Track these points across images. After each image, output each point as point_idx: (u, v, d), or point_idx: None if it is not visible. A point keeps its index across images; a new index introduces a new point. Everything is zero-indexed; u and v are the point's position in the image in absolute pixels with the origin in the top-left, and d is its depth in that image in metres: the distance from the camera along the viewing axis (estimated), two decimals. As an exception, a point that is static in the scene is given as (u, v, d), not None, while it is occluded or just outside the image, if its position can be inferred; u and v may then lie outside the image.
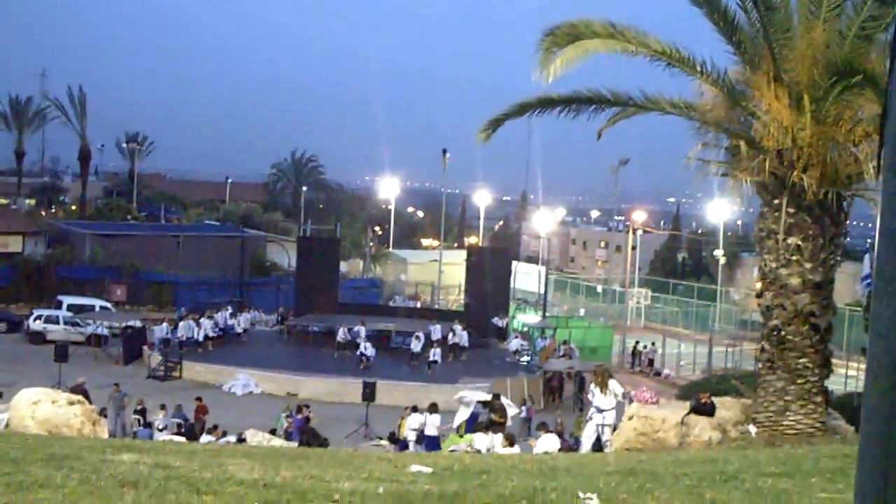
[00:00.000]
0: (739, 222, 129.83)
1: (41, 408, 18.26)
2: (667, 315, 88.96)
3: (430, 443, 34.27)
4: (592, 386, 25.21)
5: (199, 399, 42.93)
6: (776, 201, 20.93)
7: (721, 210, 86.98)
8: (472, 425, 30.91)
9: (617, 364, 65.29)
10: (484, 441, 24.17)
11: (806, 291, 20.63)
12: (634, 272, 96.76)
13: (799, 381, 20.56)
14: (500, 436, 25.78)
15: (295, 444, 29.55)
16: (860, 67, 19.07)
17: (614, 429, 23.60)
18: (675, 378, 63.37)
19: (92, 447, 13.27)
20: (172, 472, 10.20)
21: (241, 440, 30.15)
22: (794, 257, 20.70)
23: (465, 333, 59.73)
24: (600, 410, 24.64)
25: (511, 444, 24.29)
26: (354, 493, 9.22)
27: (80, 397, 20.08)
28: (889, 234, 3.28)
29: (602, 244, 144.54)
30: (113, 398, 40.93)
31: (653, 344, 68.94)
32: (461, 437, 25.41)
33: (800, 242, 20.66)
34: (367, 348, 55.37)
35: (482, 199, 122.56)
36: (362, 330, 58.75)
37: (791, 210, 20.69)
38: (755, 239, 22.76)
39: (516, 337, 62.50)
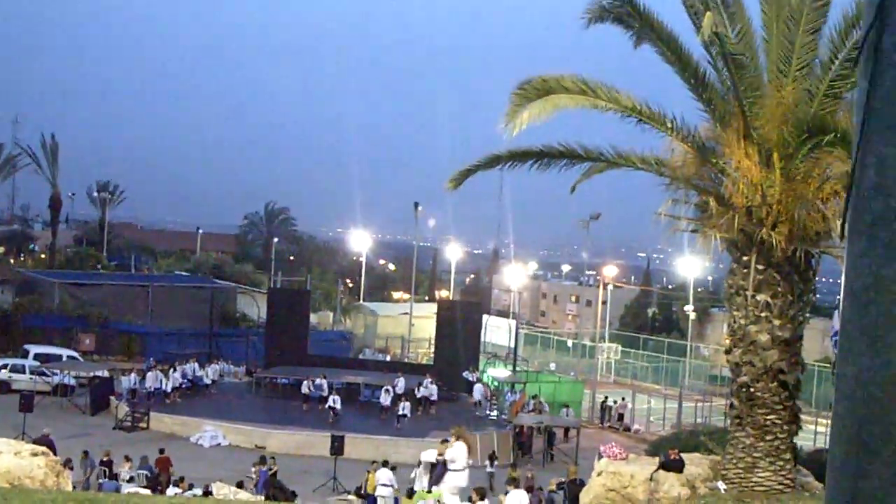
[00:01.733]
0: (710, 278, 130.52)
1: (3, 459, 18.02)
2: (637, 370, 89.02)
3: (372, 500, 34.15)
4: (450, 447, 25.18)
5: (161, 451, 42.55)
6: (745, 258, 21.02)
7: (691, 266, 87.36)
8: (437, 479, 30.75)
9: (587, 419, 65.18)
10: (453, 498, 23.99)
11: (775, 348, 20.67)
12: (605, 327, 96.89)
13: (768, 438, 20.55)
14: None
15: (262, 498, 29.32)
16: (829, 126, 19.23)
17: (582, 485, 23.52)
18: (645, 433, 63.29)
19: (54, 501, 13.09)
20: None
21: (207, 493, 29.87)
22: (763, 314, 20.76)
23: (434, 387, 59.56)
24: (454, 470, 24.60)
25: (482, 498, 24.14)
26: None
27: (44, 448, 19.85)
28: (853, 294, 3.28)
29: (573, 298, 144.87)
30: (82, 464, 40.45)
31: (623, 399, 68.94)
32: (428, 492, 25.20)
33: (769, 299, 20.73)
34: (335, 401, 55.16)
35: (453, 252, 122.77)
36: (324, 383, 58.66)
37: (760, 267, 20.77)
38: (725, 295, 22.83)
39: (480, 386, 62.39)
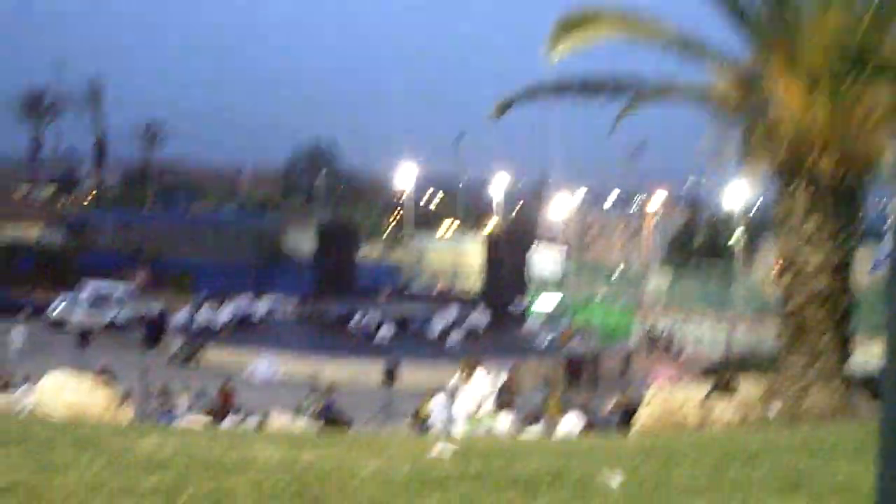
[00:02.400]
0: (757, 204, 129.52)
1: (66, 392, 18.39)
2: (685, 297, 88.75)
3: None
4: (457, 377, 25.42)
5: (225, 382, 43.05)
6: (793, 185, 20.89)
7: (739, 192, 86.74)
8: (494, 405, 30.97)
9: (636, 346, 65.20)
10: (505, 422, 24.18)
11: (824, 273, 20.60)
12: (652, 255, 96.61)
13: (819, 363, 20.54)
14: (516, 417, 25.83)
15: (318, 427, 29.64)
16: (876, 52, 19.01)
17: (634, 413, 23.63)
18: (696, 359, 63.29)
19: (116, 431, 13.34)
20: (197, 453, 10.24)
21: (264, 422, 30.24)
22: (812, 239, 20.67)
23: (483, 317, 59.80)
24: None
25: (531, 424, 24.32)
26: (378, 474, 9.25)
27: (104, 381, 20.19)
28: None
29: (621, 227, 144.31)
30: (139, 383, 41.15)
31: (672, 325, 68.85)
32: (481, 419, 25.41)
33: (817, 225, 20.62)
34: (387, 332, 55.54)
35: (500, 182, 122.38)
36: (375, 315, 58.95)
37: (808, 193, 20.64)
38: (773, 221, 22.73)
39: (534, 319, 62.62)
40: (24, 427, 12.62)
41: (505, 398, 26.96)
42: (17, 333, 53.86)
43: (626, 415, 26.46)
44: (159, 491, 7.84)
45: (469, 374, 25.11)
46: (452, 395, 29.33)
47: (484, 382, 25.01)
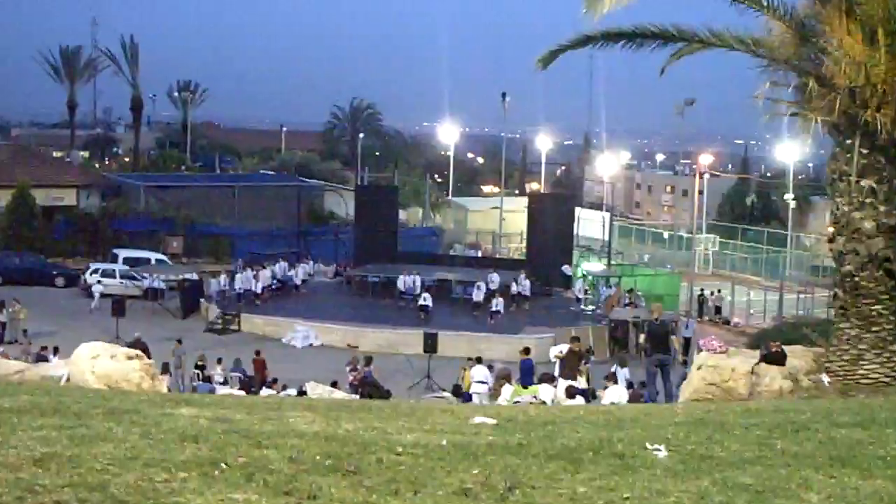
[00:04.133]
0: (810, 164, 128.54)
1: (100, 362, 18.50)
2: (736, 262, 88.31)
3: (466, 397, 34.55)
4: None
5: (257, 353, 43.38)
6: (848, 142, 20.60)
7: (791, 152, 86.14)
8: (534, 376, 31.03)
9: (684, 312, 64.98)
10: (548, 392, 24.21)
11: (880, 235, 20.33)
12: (702, 217, 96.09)
13: (873, 329, 20.32)
14: (573, 383, 25.91)
15: (356, 397, 29.77)
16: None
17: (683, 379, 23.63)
18: (745, 326, 63.05)
19: (151, 401, 13.46)
20: (232, 425, 10.33)
21: (301, 393, 30.43)
22: (867, 200, 20.39)
23: (527, 282, 59.69)
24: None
25: (573, 396, 24.33)
26: (417, 445, 9.30)
27: (138, 352, 20.31)
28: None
29: (668, 188, 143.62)
30: (174, 352, 41.50)
31: (719, 291, 68.45)
32: (525, 387, 25.47)
33: (873, 185, 20.34)
34: (426, 299, 55.50)
35: (543, 143, 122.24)
36: (417, 280, 58.91)
37: (864, 151, 20.35)
38: (827, 181, 22.47)
39: (580, 284, 62.46)
40: (58, 398, 12.75)
41: (568, 369, 27.02)
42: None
43: (657, 328, 26.98)
44: (194, 463, 7.93)
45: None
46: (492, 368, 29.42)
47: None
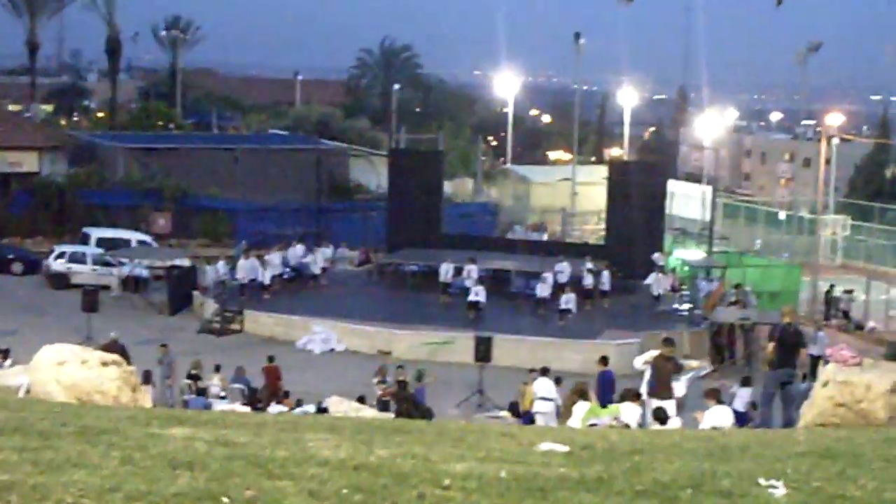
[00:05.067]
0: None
1: (68, 370, 18.56)
2: (872, 250, 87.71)
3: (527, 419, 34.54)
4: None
5: (270, 359, 43.39)
6: None
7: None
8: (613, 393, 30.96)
9: (806, 314, 64.57)
10: (633, 413, 24.14)
11: None
12: (829, 193, 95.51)
13: None
14: (670, 403, 25.83)
15: (391, 416, 29.86)
16: None
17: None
18: (884, 332, 62.59)
19: (134, 419, 13.55)
20: (237, 450, 10.38)
21: (321, 410, 30.56)
22: None
23: (606, 273, 59.51)
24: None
25: (664, 422, 24.25)
26: (469, 478, 9.31)
27: (115, 357, 20.38)
28: None
29: (786, 156, 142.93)
30: (160, 361, 41.50)
31: (850, 292, 67.93)
32: (603, 406, 25.43)
33: None
34: (478, 293, 55.42)
35: (627, 98, 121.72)
36: (473, 270, 58.77)
37: None
38: None
39: (673, 277, 62.07)
40: (17, 414, 12.87)
41: (659, 383, 26.91)
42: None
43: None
44: (189, 496, 7.97)
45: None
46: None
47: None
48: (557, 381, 36.08)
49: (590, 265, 59.76)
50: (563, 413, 29.25)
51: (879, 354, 41.02)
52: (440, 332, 52.25)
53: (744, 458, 11.72)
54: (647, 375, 27.28)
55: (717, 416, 25.50)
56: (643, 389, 26.78)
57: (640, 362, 28.38)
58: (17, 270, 66.19)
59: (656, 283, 60.47)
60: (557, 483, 9.33)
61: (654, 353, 28.01)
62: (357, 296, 60.92)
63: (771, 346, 26.85)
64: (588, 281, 58.66)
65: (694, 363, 34.53)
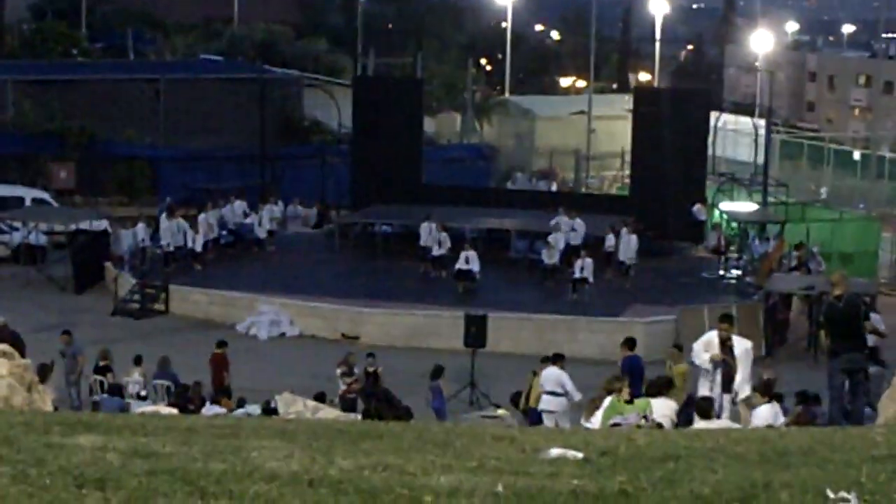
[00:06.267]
0: None
1: (-57, 364, 18.64)
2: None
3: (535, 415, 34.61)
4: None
5: (220, 345, 43.21)
6: None
7: None
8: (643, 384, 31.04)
9: (888, 281, 64.61)
10: (666, 409, 24.18)
11: None
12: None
13: None
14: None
15: (357, 417, 29.96)
16: None
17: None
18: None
19: (29, 425, 13.55)
20: (160, 463, 10.38)
21: (269, 411, 30.62)
22: None
23: (631, 235, 59.54)
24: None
25: (709, 414, 24.30)
26: (457, 493, 9.33)
27: (4, 347, 20.42)
28: None
29: (861, 80, 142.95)
30: (63, 353, 41.42)
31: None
32: (629, 402, 25.42)
33: None
34: (469, 260, 55.38)
35: (658, 6, 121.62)
36: (459, 231, 58.74)
37: None
38: None
39: (718, 235, 62.13)
40: None
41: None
42: None
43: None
44: (101, 523, 7.99)
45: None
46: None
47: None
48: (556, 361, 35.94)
49: (623, 225, 59.52)
50: (589, 409, 29.25)
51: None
52: (422, 310, 52.36)
53: (807, 465, 11.77)
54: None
55: (767, 414, 25.57)
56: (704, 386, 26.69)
57: (703, 356, 27.81)
58: None
59: (717, 240, 60.60)
60: (569, 499, 9.37)
61: (713, 336, 27.65)
62: (314, 265, 61.03)
63: (822, 331, 26.66)
64: (611, 242, 58.54)
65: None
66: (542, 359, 39.52)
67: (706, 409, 24.22)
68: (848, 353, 25.95)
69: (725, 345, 27.25)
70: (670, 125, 66.08)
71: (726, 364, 26.49)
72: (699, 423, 23.54)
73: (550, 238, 57.30)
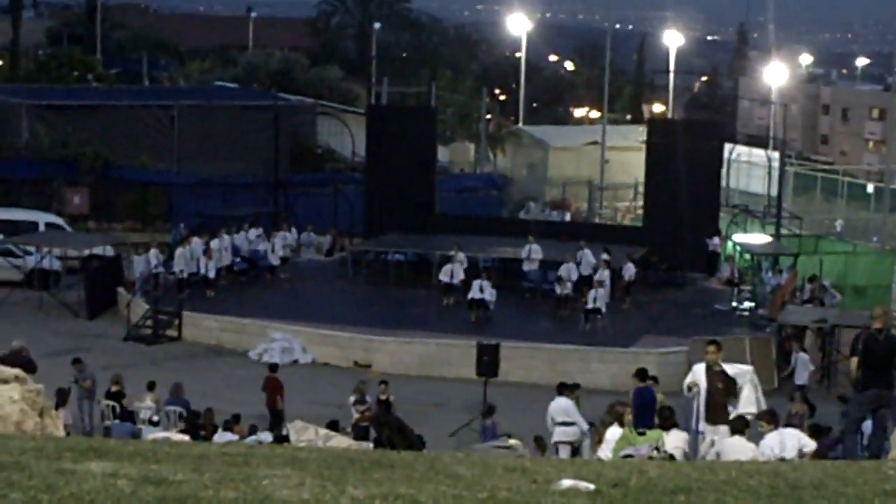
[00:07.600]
0: None
1: (-45, 389, 18.60)
2: None
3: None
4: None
5: (272, 368, 43.19)
6: None
7: None
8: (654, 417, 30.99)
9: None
10: (678, 440, 24.17)
11: None
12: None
13: None
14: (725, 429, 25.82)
15: (370, 445, 29.93)
16: None
17: None
18: None
19: (41, 451, 13.53)
20: (171, 490, 10.36)
21: (281, 439, 30.59)
22: None
23: (643, 263, 59.48)
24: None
25: (743, 431, 24.28)
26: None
27: (17, 372, 20.38)
28: None
29: (874, 114, 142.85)
30: (76, 380, 41.38)
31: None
32: (641, 434, 25.41)
33: None
34: (482, 289, 55.37)
35: (672, 40, 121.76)
36: (463, 261, 58.69)
37: None
38: None
39: (730, 266, 62.09)
40: None
41: (713, 405, 26.86)
42: None
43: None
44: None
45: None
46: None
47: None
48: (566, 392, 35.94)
49: (605, 256, 59.38)
50: (595, 439, 29.19)
51: None
52: (435, 339, 52.31)
53: (818, 498, 11.73)
54: (699, 395, 27.10)
55: (790, 442, 25.48)
56: (694, 412, 26.73)
57: (689, 382, 27.93)
58: None
59: (729, 271, 60.49)
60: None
61: (700, 368, 27.77)
62: (327, 293, 61.01)
63: (854, 360, 26.44)
64: (625, 273, 58.43)
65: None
66: (562, 386, 39.63)
67: (739, 428, 24.23)
68: (878, 388, 25.80)
69: (711, 370, 27.26)
70: (684, 157, 66.10)
71: (709, 391, 26.60)
72: (732, 439, 23.58)
73: (562, 271, 57.24)
